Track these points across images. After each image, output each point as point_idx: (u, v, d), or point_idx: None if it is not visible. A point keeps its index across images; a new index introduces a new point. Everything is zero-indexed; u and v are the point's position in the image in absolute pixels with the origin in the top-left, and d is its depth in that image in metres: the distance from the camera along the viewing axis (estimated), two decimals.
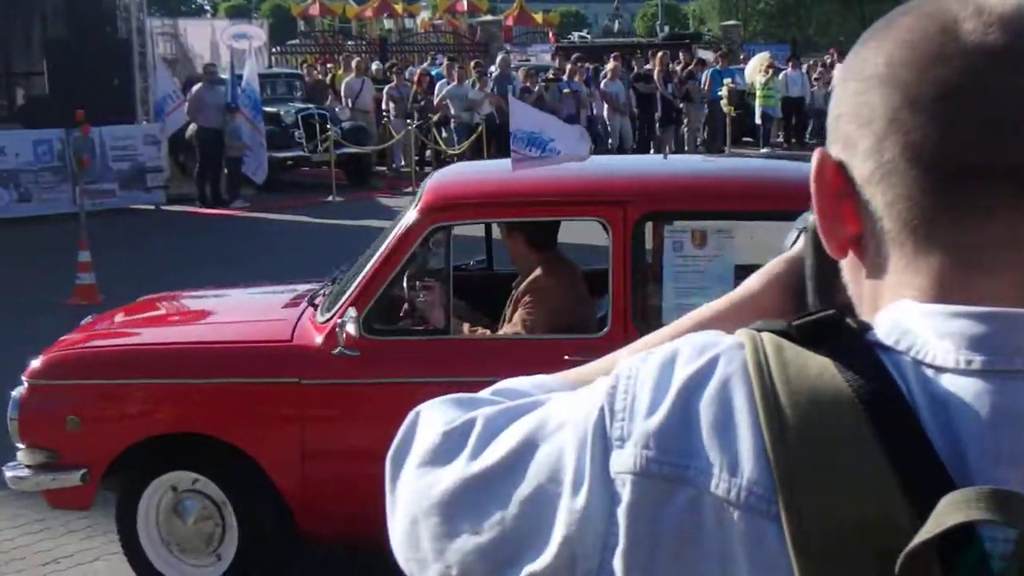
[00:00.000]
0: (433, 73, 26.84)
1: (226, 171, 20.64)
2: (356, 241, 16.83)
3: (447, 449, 1.13)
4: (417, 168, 23.08)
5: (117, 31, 21.11)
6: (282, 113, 22.93)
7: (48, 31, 22.60)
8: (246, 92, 21.27)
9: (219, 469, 6.11)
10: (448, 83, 24.93)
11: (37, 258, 15.63)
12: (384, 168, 25.11)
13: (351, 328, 5.59)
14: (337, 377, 5.85)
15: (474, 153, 23.35)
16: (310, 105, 23.66)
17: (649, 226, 6.21)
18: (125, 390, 6.16)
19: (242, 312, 7.34)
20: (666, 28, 48.92)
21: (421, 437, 1.17)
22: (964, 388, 0.95)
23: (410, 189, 21.95)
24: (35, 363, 6.12)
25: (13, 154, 18.78)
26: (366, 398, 5.88)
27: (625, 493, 1.00)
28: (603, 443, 1.03)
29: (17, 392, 6.01)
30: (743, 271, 5.50)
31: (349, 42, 38.93)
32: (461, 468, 1.11)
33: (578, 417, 1.06)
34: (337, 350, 5.68)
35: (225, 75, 21.58)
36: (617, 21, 62.45)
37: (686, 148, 27.67)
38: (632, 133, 27.25)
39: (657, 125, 27.19)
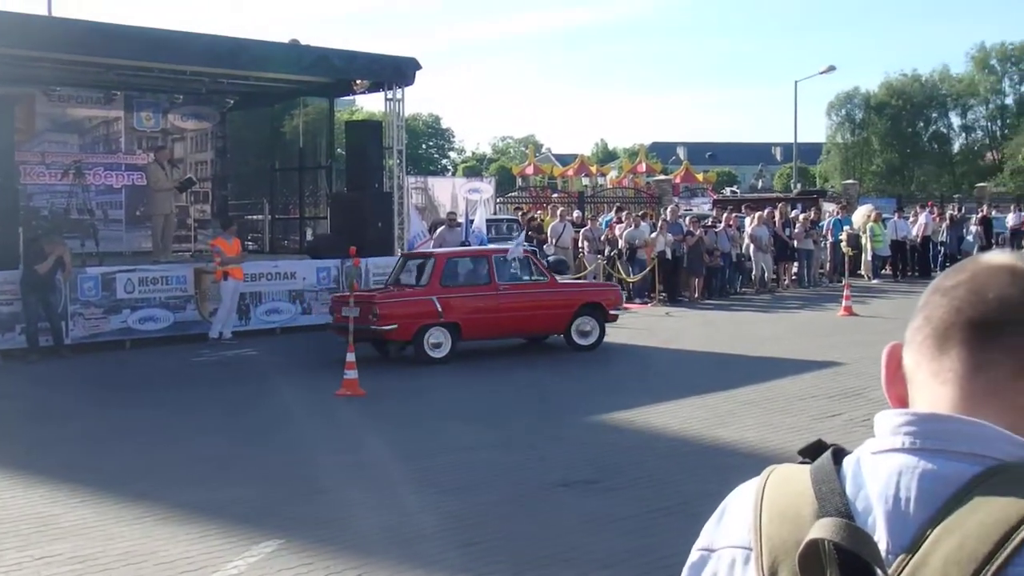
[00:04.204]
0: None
1: None
2: (554, 346, 16.68)
3: None
4: None
5: (383, 186, 21.41)
6: None
7: (332, 187, 23.13)
8: (476, 233, 21.38)
9: None
10: (627, 227, 24.64)
11: (315, 358, 15.74)
12: None
13: None
14: None
15: (649, 282, 23.02)
16: (525, 242, 23.65)
17: None
18: None
19: None
20: (799, 185, 47.85)
21: None
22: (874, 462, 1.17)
23: None
24: None
25: (301, 278, 19.10)
26: None
27: None
28: None
29: None
30: None
31: (555, 194, 38.99)
32: None
33: None
34: None
35: (462, 219, 21.67)
36: (760, 180, 61.63)
37: (806, 280, 27.01)
38: (772, 266, 26.50)
39: (772, 259, 26.36)
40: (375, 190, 21.03)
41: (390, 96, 21.46)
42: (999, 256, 1.27)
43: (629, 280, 23.48)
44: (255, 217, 23.94)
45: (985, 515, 1.05)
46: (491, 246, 19.00)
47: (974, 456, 1.12)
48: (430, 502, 7.89)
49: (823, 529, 1.11)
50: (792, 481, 1.21)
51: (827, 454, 1.22)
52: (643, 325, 19.29)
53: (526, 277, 16.08)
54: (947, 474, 1.11)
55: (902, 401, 1.28)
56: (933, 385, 1.23)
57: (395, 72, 21.05)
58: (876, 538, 1.11)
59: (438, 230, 21.46)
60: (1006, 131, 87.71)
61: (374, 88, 21.98)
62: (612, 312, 16.28)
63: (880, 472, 1.15)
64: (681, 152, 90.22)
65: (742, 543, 1.23)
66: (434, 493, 8.15)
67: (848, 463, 1.20)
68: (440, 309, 14.85)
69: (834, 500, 1.15)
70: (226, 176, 24.37)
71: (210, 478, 8.66)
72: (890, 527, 1.12)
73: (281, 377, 14.10)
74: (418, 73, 21.16)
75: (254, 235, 23.25)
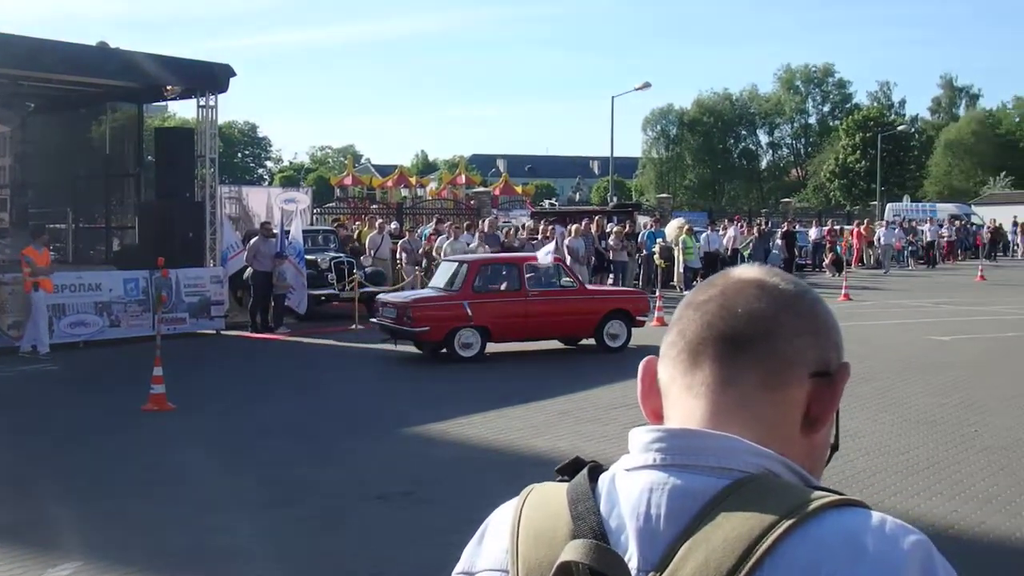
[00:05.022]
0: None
1: (273, 304, 20.36)
2: (372, 360, 16.63)
3: None
4: None
5: (194, 196, 20.91)
6: (319, 260, 22.71)
7: (141, 195, 22.45)
8: (292, 244, 21.07)
9: None
10: (447, 238, 24.75)
11: (122, 372, 15.24)
12: None
13: None
14: None
15: None
16: (341, 254, 23.44)
17: None
18: None
19: None
20: (615, 198, 48.98)
21: None
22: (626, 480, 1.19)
23: None
24: None
25: (108, 289, 18.44)
26: None
27: None
28: None
29: None
30: None
31: (373, 206, 38.84)
32: None
33: None
34: None
35: (277, 230, 21.35)
36: (578, 193, 62.85)
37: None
38: (589, 277, 26.97)
39: (588, 271, 26.84)
40: (186, 199, 20.55)
41: (203, 103, 21.01)
42: (748, 270, 1.31)
43: None
44: (58, 226, 23.04)
45: (729, 529, 1.09)
46: (521, 254, 20.14)
47: (722, 470, 1.15)
48: (239, 519, 7.73)
49: (574, 551, 1.12)
50: (549, 501, 1.22)
51: (583, 472, 1.23)
52: None
53: (556, 284, 17.17)
54: (695, 489, 1.14)
55: (657, 414, 1.31)
56: (686, 399, 1.26)
57: (208, 78, 20.62)
58: (628, 555, 1.13)
59: (252, 240, 21.06)
60: (809, 149, 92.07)
61: (186, 94, 21.47)
62: (639, 318, 17.21)
63: (632, 489, 1.17)
64: (501, 164, 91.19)
65: (500, 565, 1.23)
66: (243, 510, 7.99)
67: (603, 481, 1.21)
68: (470, 314, 16.02)
69: (589, 519, 1.16)
70: (27, 183, 23.34)
71: (2, 499, 8.27)
72: (641, 544, 1.13)
73: (85, 392, 13.61)
74: (233, 80, 20.79)
75: (57, 245, 22.36)
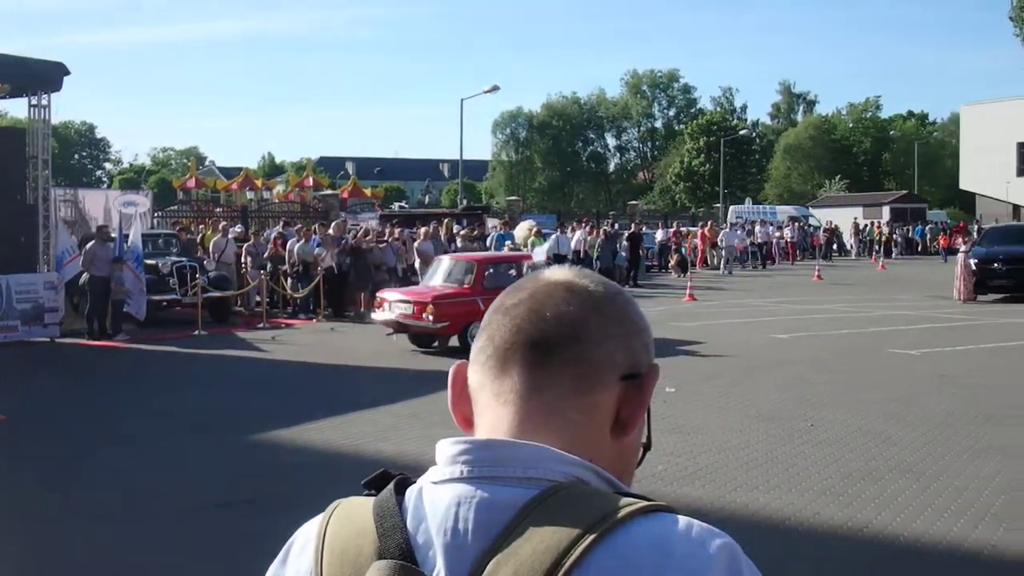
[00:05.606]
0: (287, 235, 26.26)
1: (111, 311, 19.77)
2: (216, 366, 16.29)
3: None
4: (268, 308, 22.48)
5: (26, 198, 20.13)
6: (160, 264, 22.13)
7: None
8: (131, 248, 20.49)
9: None
10: (297, 241, 24.42)
11: None
12: (241, 308, 24.38)
13: None
14: None
15: (314, 298, 22.93)
16: (183, 258, 22.89)
17: None
18: None
19: None
20: (465, 201, 49.15)
21: None
22: (434, 493, 1.16)
23: (262, 325, 21.38)
24: None
25: None
26: None
27: None
28: None
29: None
30: None
31: (218, 208, 38.08)
32: None
33: None
34: None
35: (115, 234, 20.72)
36: (428, 195, 62.82)
37: None
38: None
39: None
40: (17, 202, 19.77)
41: (35, 102, 20.25)
42: (558, 272, 1.30)
43: (295, 295, 23.33)
44: None
45: (537, 542, 1.07)
46: (519, 252, 21.67)
47: (530, 480, 1.13)
48: (74, 532, 7.48)
49: (377, 572, 1.10)
50: (356, 516, 1.18)
51: (390, 486, 1.20)
52: (307, 341, 19.18)
53: None
54: (502, 501, 1.12)
55: (468, 421, 1.29)
56: (495, 406, 1.24)
57: (40, 77, 19.88)
58: (435, 572, 1.11)
59: (88, 245, 20.40)
60: (656, 152, 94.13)
61: (16, 93, 20.67)
62: None
63: (439, 503, 1.14)
64: (350, 167, 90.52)
65: None
66: (78, 522, 7.73)
67: (411, 495, 1.18)
68: (483, 308, 16.84)
69: (395, 536, 1.13)
70: None
71: None
72: (449, 561, 1.11)
73: None
74: (68, 79, 20.09)
75: None
